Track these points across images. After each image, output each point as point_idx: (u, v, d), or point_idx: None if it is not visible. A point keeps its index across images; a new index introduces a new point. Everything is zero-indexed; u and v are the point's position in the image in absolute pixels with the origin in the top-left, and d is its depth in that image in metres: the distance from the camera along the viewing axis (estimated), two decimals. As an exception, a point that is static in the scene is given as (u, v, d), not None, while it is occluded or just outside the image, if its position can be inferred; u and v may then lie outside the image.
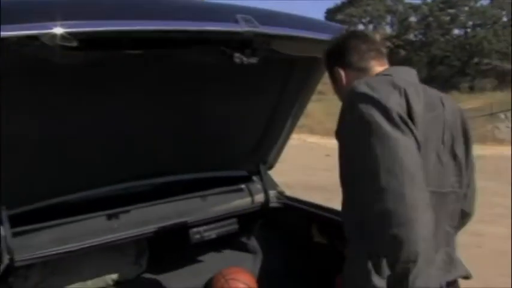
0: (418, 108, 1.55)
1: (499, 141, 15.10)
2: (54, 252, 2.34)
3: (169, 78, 2.26)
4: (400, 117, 1.48)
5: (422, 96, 1.61)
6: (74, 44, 1.52)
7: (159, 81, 2.26)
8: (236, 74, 2.29)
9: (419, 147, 1.50)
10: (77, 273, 2.65)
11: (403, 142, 1.45)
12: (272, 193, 3.23)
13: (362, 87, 1.55)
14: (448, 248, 1.71)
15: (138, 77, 2.16)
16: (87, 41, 1.57)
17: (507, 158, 11.12)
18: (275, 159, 3.26)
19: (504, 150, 12.19)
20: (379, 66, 1.79)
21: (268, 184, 3.22)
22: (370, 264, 1.47)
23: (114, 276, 2.82)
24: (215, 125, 2.69)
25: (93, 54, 1.69)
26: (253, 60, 1.99)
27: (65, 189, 2.46)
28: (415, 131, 1.50)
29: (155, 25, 1.71)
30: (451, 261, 1.70)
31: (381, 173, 1.42)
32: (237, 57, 1.93)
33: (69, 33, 1.50)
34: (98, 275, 2.75)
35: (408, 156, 1.44)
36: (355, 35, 1.88)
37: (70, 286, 2.64)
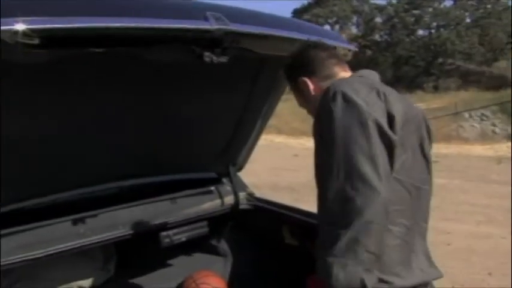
0: (397, 108, 1.57)
1: (464, 140, 15.36)
2: (19, 260, 2.24)
3: (136, 78, 2.18)
4: (376, 122, 1.50)
5: (396, 96, 1.63)
6: (36, 41, 1.44)
7: (126, 81, 2.18)
8: (206, 73, 2.23)
9: (394, 147, 1.53)
10: (44, 280, 2.57)
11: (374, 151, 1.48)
12: (242, 195, 3.19)
13: (343, 86, 1.56)
14: (425, 244, 1.73)
15: (103, 76, 2.08)
16: (51, 38, 1.49)
17: (472, 157, 11.30)
18: (245, 161, 3.22)
19: (469, 148, 12.41)
20: (343, 72, 1.82)
21: (238, 186, 3.17)
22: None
23: (82, 282, 2.74)
24: (184, 125, 2.63)
25: (56, 53, 1.61)
26: (223, 59, 1.93)
27: (28, 194, 2.37)
28: (389, 132, 1.52)
29: (121, 22, 1.63)
30: (430, 262, 1.72)
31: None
32: (207, 56, 1.87)
33: (32, 30, 1.42)
34: (65, 282, 2.68)
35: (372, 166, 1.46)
36: (313, 46, 1.89)
37: (35, 295, 2.55)
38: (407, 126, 1.61)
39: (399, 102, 1.62)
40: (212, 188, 3.12)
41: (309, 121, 1.81)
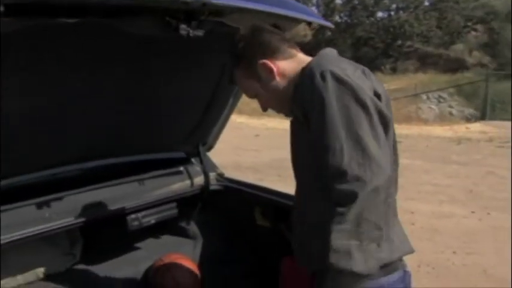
0: (380, 86, 1.57)
1: (423, 121, 15.59)
2: None
3: (106, 52, 2.06)
4: (372, 100, 1.47)
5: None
6: (1, 9, 1.31)
7: (96, 57, 2.06)
8: (179, 48, 2.14)
9: (388, 125, 1.53)
10: (6, 267, 2.42)
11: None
12: (212, 175, 3.12)
13: (329, 65, 1.49)
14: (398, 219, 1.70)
15: (71, 51, 1.95)
16: (17, 6, 1.37)
17: (432, 137, 11.48)
18: (214, 140, 3.13)
19: (429, 130, 12.61)
20: (301, 54, 1.72)
21: (207, 166, 3.09)
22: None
23: (46, 268, 2.61)
24: (154, 104, 2.52)
25: (23, 22, 1.48)
26: (199, 32, 1.84)
27: None
28: (385, 111, 1.50)
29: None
30: (405, 236, 1.69)
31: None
32: (183, 29, 1.77)
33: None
34: (28, 268, 2.55)
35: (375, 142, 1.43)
36: (263, 29, 1.71)
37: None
38: (387, 105, 1.58)
39: (378, 81, 1.60)
40: (181, 168, 3.04)
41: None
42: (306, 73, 1.52)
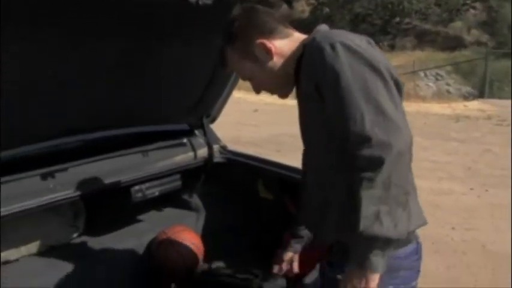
0: (384, 57, 1.53)
1: (421, 98, 15.53)
2: None
3: (110, 19, 2.00)
4: (386, 67, 1.45)
5: None
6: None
7: (97, 23, 1.99)
8: (186, 18, 2.09)
9: (401, 93, 1.51)
10: (9, 240, 2.41)
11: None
12: (215, 147, 3.09)
13: (337, 37, 1.46)
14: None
15: (72, 17, 1.88)
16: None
17: (430, 115, 11.46)
18: (218, 112, 3.10)
19: (427, 107, 12.58)
20: (297, 33, 1.68)
21: (211, 138, 3.07)
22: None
23: (49, 240, 2.60)
24: (158, 74, 2.49)
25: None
26: (208, 1, 1.80)
27: None
28: (398, 78, 1.49)
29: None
30: (420, 207, 1.67)
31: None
32: (193, -4, 1.74)
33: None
34: (32, 240, 2.53)
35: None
36: (258, 9, 1.65)
37: (1, 254, 2.39)
38: None
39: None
40: (185, 140, 3.01)
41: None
42: (314, 46, 1.49)
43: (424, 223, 1.64)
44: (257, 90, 1.75)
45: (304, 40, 1.61)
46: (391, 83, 1.43)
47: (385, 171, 1.33)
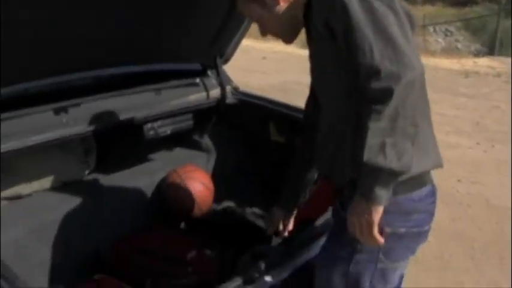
0: None
1: (431, 53, 15.31)
2: None
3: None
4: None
5: None
6: None
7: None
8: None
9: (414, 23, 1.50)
10: (22, 174, 2.41)
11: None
12: (228, 88, 3.06)
13: None
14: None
15: None
16: None
17: (440, 69, 11.30)
18: (232, 53, 3.04)
19: (436, 61, 12.37)
20: None
21: (224, 79, 3.03)
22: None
23: (61, 176, 2.60)
24: (174, 11, 2.43)
25: None
26: None
27: (6, 81, 2.11)
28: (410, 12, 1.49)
29: None
30: (437, 147, 1.66)
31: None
32: None
33: None
34: (44, 175, 2.53)
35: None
36: None
37: (13, 188, 2.41)
38: None
39: None
40: (197, 80, 2.97)
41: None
42: None
43: (440, 164, 1.62)
44: (263, 33, 1.79)
45: None
46: (402, 14, 1.38)
47: (394, 103, 1.30)
